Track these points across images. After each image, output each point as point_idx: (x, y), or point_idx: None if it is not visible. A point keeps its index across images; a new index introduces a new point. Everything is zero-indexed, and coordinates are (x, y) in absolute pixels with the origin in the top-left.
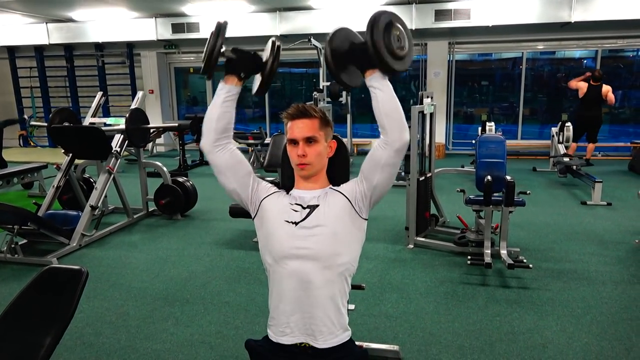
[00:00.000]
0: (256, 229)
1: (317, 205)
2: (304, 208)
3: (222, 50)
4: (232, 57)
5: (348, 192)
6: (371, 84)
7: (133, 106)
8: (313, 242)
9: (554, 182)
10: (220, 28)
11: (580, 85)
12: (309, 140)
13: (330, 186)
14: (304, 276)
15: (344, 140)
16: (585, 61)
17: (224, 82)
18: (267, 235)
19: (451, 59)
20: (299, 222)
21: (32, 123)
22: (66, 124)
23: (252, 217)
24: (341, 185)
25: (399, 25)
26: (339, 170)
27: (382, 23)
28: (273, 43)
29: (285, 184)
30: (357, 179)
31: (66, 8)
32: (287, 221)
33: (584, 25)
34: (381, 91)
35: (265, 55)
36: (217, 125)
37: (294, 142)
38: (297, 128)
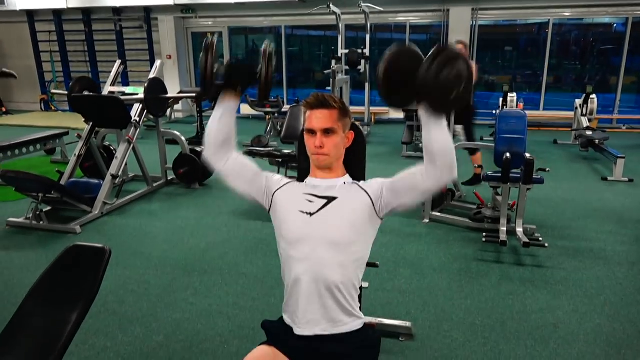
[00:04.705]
0: (272, 221)
1: (336, 198)
2: (319, 198)
3: (214, 68)
4: (228, 72)
5: (372, 193)
6: (428, 114)
7: (151, 75)
8: (328, 230)
9: (575, 155)
10: (209, 46)
11: None
12: (327, 132)
13: (351, 180)
14: (317, 261)
15: (362, 108)
16: (615, 25)
17: (221, 98)
18: (280, 224)
19: (474, 24)
20: (314, 213)
21: (53, 91)
22: (86, 92)
23: (268, 210)
24: (366, 181)
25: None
26: (356, 160)
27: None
28: (264, 51)
29: (302, 161)
30: (386, 184)
31: None
32: (302, 211)
33: None
34: (438, 127)
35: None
36: (216, 140)
37: (311, 132)
38: (316, 118)
